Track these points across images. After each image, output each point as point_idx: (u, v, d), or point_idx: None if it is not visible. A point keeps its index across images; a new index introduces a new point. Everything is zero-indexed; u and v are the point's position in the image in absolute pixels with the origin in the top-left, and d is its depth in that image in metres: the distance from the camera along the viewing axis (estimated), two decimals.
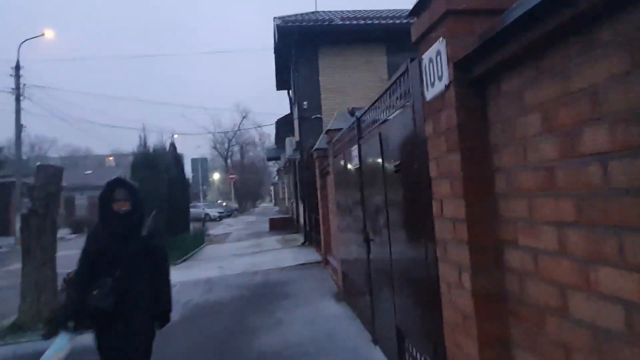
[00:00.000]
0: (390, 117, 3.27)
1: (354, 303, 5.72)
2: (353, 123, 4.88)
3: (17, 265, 14.41)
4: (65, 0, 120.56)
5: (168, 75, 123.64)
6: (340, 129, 6.19)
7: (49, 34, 24.15)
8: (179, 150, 17.73)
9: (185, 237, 13.76)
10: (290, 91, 18.64)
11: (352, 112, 7.18)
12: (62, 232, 30.97)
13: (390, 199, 3.42)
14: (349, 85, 13.47)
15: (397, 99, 3.07)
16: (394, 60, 13.63)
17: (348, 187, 5.40)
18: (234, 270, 9.44)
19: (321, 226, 9.18)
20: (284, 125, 18.80)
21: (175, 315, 6.51)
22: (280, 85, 19.08)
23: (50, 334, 5.80)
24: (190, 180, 26.40)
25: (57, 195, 6.68)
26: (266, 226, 22.11)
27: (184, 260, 11.86)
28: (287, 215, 25.18)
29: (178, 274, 9.75)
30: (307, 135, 13.14)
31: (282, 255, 11.30)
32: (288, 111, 19.02)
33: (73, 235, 29.41)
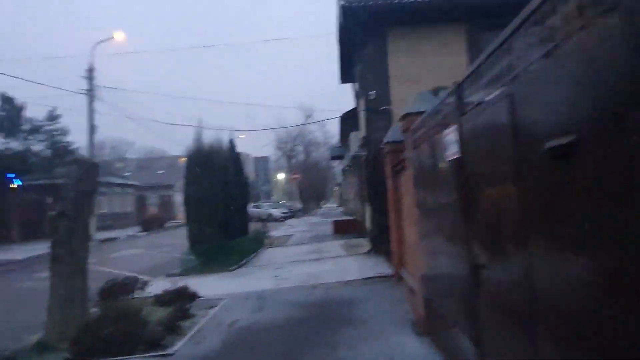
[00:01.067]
0: (543, 59, 1.82)
1: (444, 342, 4.27)
2: (448, 96, 3.44)
3: None
4: (128, 2, 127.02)
5: (232, 73, 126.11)
6: (422, 112, 4.77)
7: (119, 36, 24.76)
8: (243, 150, 17.10)
9: (243, 240, 12.89)
10: (356, 83, 17.29)
11: (435, 92, 5.74)
12: (134, 230, 32.01)
13: (538, 206, 1.97)
14: (423, 72, 11.83)
15: (565, 18, 1.62)
16: (477, 43, 11.84)
17: (437, 186, 3.96)
18: (290, 282, 8.27)
19: (392, 234, 7.75)
20: (348, 121, 17.48)
21: (215, 340, 5.46)
22: (345, 78, 17.77)
23: (76, 358, 4.94)
24: (253, 178, 25.96)
25: (91, 194, 5.86)
26: (329, 228, 20.98)
27: (239, 267, 10.91)
28: (351, 218, 23.87)
29: (229, 284, 8.78)
30: (375, 129, 11.73)
31: (345, 264, 9.98)
32: (352, 108, 17.69)
33: (143, 233, 30.19)
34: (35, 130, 26.64)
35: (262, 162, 36.47)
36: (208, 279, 9.60)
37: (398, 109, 11.77)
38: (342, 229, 19.77)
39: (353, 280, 7.87)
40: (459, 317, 3.61)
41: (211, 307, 6.71)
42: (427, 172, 4.30)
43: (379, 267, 9.06)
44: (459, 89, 3.14)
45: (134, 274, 11.43)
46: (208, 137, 12.67)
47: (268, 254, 13.46)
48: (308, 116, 52.09)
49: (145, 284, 6.69)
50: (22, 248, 19.92)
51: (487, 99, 2.55)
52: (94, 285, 6.51)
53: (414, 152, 5.03)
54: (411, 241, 6.24)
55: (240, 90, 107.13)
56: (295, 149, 61.14)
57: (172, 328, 5.60)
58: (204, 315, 6.28)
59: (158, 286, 8.41)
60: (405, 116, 5.31)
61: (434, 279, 4.51)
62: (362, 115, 14.02)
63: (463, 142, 3.02)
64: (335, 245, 14.17)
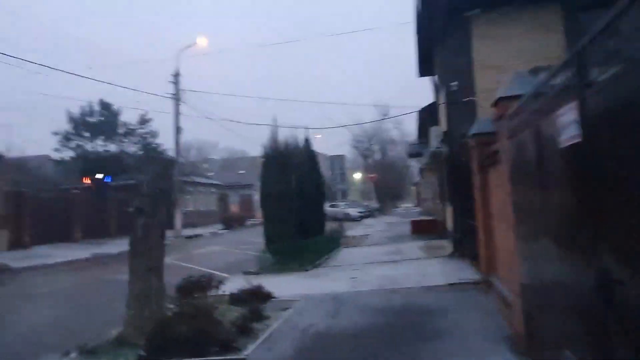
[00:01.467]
0: None
1: None
2: (562, 68, 2.80)
3: (165, 260, 15.11)
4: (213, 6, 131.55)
5: (307, 70, 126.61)
6: (520, 96, 4.10)
7: (202, 41, 25.87)
8: (318, 149, 16.91)
9: (319, 240, 12.66)
10: (435, 76, 16.36)
11: (534, 72, 5.00)
12: (216, 228, 33.43)
13: None
14: (512, 58, 10.76)
15: None
16: (575, 23, 10.52)
17: (544, 179, 3.30)
18: (368, 285, 7.82)
19: (480, 236, 7.00)
20: (427, 116, 16.60)
21: (288, 346, 5.15)
22: (423, 71, 16.90)
23: (149, 356, 4.92)
24: (329, 179, 25.86)
25: (167, 191, 5.87)
26: (407, 228, 20.23)
27: (315, 267, 10.67)
28: (430, 218, 22.83)
29: (305, 284, 8.53)
30: (457, 123, 10.89)
31: (427, 268, 9.31)
32: (431, 102, 16.74)
33: (225, 231, 31.37)
34: (129, 133, 28.82)
35: (338, 160, 36.25)
36: (283, 278, 9.46)
37: (483, 100, 10.81)
38: (421, 229, 18.94)
39: (436, 286, 7.23)
40: (576, 340, 2.94)
41: (285, 309, 6.47)
42: (529, 164, 3.63)
43: (463, 271, 8.30)
44: (580, 57, 2.49)
45: (213, 271, 11.68)
46: (284, 136, 12.62)
47: (344, 254, 13.11)
48: (384, 114, 51.13)
49: (220, 282, 6.62)
50: (118, 242, 21.47)
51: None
52: (176, 280, 6.58)
53: (510, 142, 4.35)
54: (504, 245, 5.52)
55: (315, 88, 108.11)
56: (371, 147, 60.47)
57: (245, 330, 5.43)
58: (277, 317, 6.05)
59: (234, 284, 8.39)
60: (498, 102, 4.63)
61: (538, 290, 3.82)
62: (442, 109, 13.17)
63: (587, 122, 2.39)
64: (415, 247, 13.46)
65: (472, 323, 5.20)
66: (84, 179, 26.13)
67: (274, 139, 12.07)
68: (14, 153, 21.77)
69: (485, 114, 9.37)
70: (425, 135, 19.21)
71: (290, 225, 11.49)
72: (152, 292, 5.44)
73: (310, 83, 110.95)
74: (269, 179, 11.63)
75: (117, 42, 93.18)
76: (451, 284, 7.25)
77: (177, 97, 25.38)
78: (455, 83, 11.12)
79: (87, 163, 26.46)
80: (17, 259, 16.10)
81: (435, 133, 12.36)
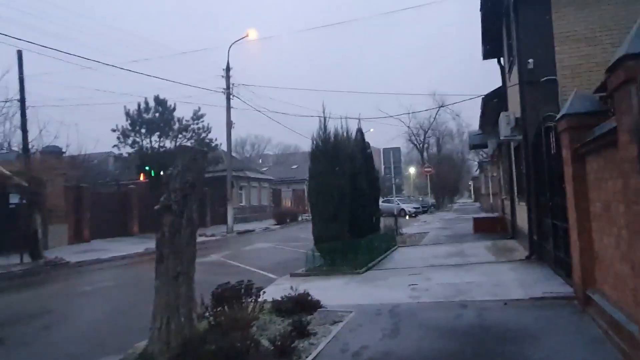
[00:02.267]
0: None
1: None
2: None
3: (213, 257, 14.70)
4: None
5: (360, 60, 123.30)
6: None
7: (252, 34, 25.45)
8: (372, 143, 15.81)
9: (373, 239, 11.62)
10: (502, 57, 14.73)
11: None
12: (269, 223, 33.20)
13: None
14: (602, 28, 9.17)
15: None
16: None
17: None
18: (430, 295, 6.70)
19: (574, 240, 5.68)
20: (492, 103, 14.98)
21: None
22: (488, 52, 15.29)
23: None
24: (382, 173, 24.65)
25: (196, 186, 5.11)
26: (468, 226, 18.73)
27: (369, 269, 9.66)
28: (494, 215, 21.04)
29: (358, 291, 7.56)
30: (534, 106, 9.43)
31: (499, 274, 8.01)
32: (496, 87, 15.07)
33: (277, 227, 30.99)
34: (183, 129, 28.95)
35: (392, 153, 34.84)
36: (333, 282, 8.54)
37: (566, 78, 9.28)
38: (484, 227, 17.40)
39: (515, 300, 5.97)
40: None
41: (334, 323, 5.55)
42: None
43: (547, 282, 6.95)
44: None
45: (259, 270, 11.04)
46: (334, 128, 11.62)
47: (400, 255, 11.99)
48: (441, 105, 48.87)
49: (260, 289, 5.81)
50: None
51: None
52: (220, 279, 5.89)
53: None
54: (617, 252, 4.26)
55: (369, 79, 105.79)
56: (427, 140, 58.22)
57: (286, 350, 4.55)
58: (325, 333, 5.13)
59: (279, 287, 7.63)
60: (619, 63, 3.39)
61: None
62: (513, 92, 11.64)
63: None
64: (480, 248, 12.07)
65: (574, 355, 3.99)
66: (139, 174, 26.66)
67: (323, 130, 11.13)
68: (73, 150, 22.32)
69: (568, 94, 7.94)
70: (489, 124, 17.55)
71: (341, 222, 10.54)
72: (180, 302, 4.70)
73: (364, 73, 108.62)
74: (317, 173, 10.72)
75: (166, 35, 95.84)
76: (535, 298, 5.97)
77: (228, 92, 25.19)
78: (531, 61, 9.64)
79: (144, 158, 26.90)
80: (74, 253, 16.37)
81: (506, 119, 10.88)
